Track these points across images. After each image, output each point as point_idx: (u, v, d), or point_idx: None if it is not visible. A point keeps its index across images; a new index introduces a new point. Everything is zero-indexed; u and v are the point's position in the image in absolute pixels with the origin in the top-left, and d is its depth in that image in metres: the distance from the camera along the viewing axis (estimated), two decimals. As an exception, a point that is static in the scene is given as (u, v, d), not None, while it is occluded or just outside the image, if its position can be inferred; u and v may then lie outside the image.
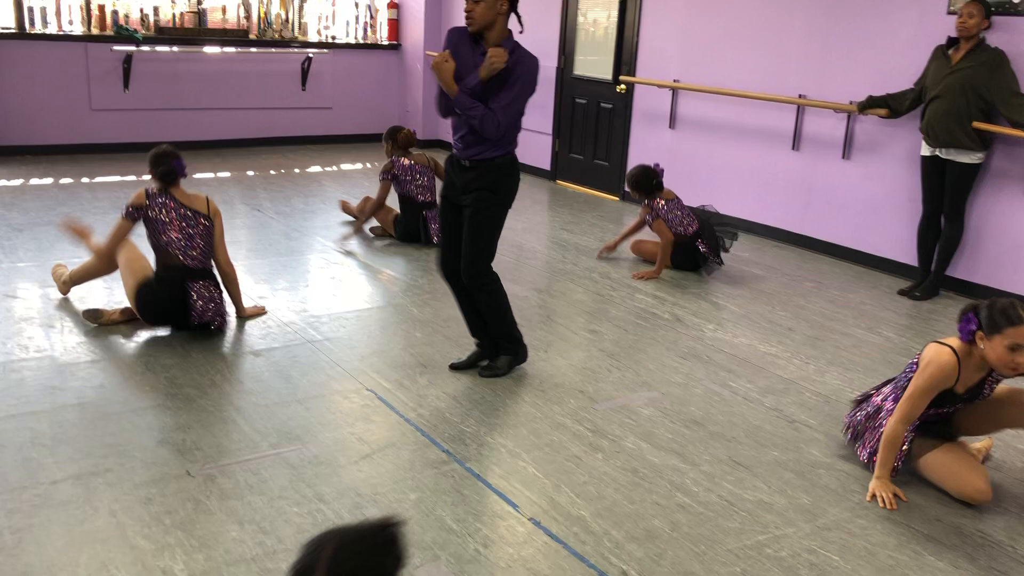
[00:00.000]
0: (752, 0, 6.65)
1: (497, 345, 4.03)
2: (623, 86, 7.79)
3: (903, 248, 5.88)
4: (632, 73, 7.65)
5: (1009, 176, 5.35)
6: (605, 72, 7.95)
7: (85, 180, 7.49)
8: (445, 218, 3.91)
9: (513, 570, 2.66)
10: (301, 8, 9.71)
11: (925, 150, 5.44)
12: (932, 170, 5.43)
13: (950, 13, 5.49)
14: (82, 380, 3.75)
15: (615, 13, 7.81)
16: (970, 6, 5.12)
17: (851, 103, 5.92)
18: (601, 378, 4.10)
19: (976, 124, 5.17)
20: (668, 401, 3.89)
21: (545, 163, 8.83)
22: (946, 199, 5.41)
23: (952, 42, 5.27)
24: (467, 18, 3.61)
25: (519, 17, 3.70)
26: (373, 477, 3.12)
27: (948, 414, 3.31)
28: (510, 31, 3.68)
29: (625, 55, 7.79)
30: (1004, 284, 5.42)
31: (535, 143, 8.81)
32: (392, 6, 10.27)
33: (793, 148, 6.53)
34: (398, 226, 6.15)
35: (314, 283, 5.26)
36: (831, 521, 3.02)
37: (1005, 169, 5.36)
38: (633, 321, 4.89)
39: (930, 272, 5.57)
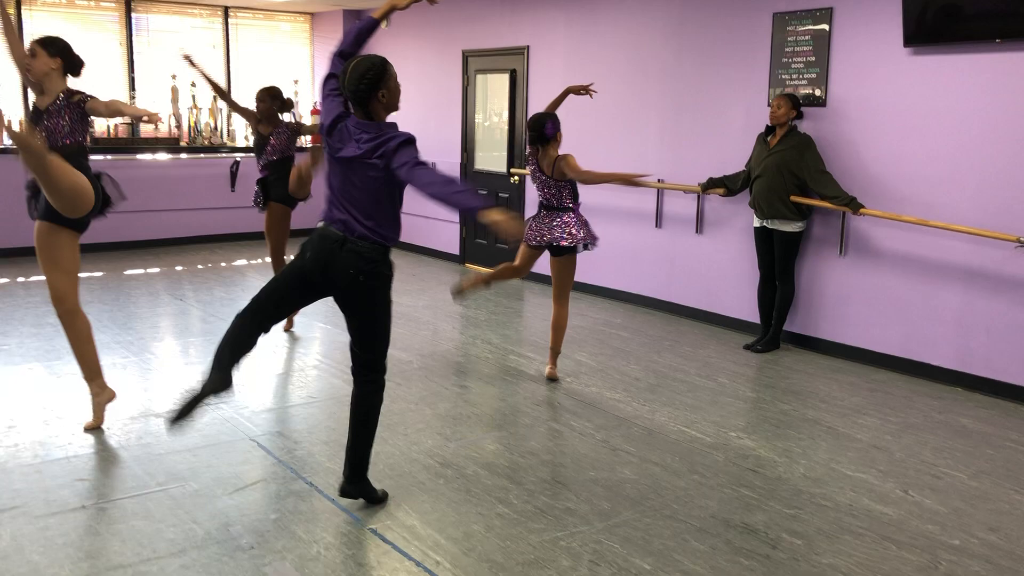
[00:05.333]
0: (617, 101, 7.59)
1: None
2: (516, 177, 8.66)
3: (749, 308, 6.67)
4: (523, 166, 8.52)
5: (827, 241, 6.20)
6: (500, 166, 8.83)
7: (20, 279, 8.09)
8: None
9: (346, 565, 3.26)
10: (229, 116, 10.55)
11: (756, 222, 6.29)
12: (763, 239, 6.27)
13: (769, 106, 6.43)
14: (-1, 441, 4.33)
15: (506, 113, 8.74)
16: (779, 99, 6.05)
17: (698, 185, 6.80)
18: (461, 423, 4.75)
19: (793, 198, 6.04)
20: (512, 438, 4.54)
21: (455, 248, 9.63)
22: (776, 264, 6.23)
23: (769, 130, 6.18)
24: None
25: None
26: (243, 504, 3.72)
27: None
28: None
29: (517, 150, 8.69)
30: (833, 335, 6.21)
31: (444, 231, 9.61)
32: (315, 112, 11.16)
33: (656, 226, 7.37)
34: None
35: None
36: (621, 520, 3.67)
37: (823, 235, 6.22)
38: (500, 377, 5.57)
39: (770, 328, 6.35)
